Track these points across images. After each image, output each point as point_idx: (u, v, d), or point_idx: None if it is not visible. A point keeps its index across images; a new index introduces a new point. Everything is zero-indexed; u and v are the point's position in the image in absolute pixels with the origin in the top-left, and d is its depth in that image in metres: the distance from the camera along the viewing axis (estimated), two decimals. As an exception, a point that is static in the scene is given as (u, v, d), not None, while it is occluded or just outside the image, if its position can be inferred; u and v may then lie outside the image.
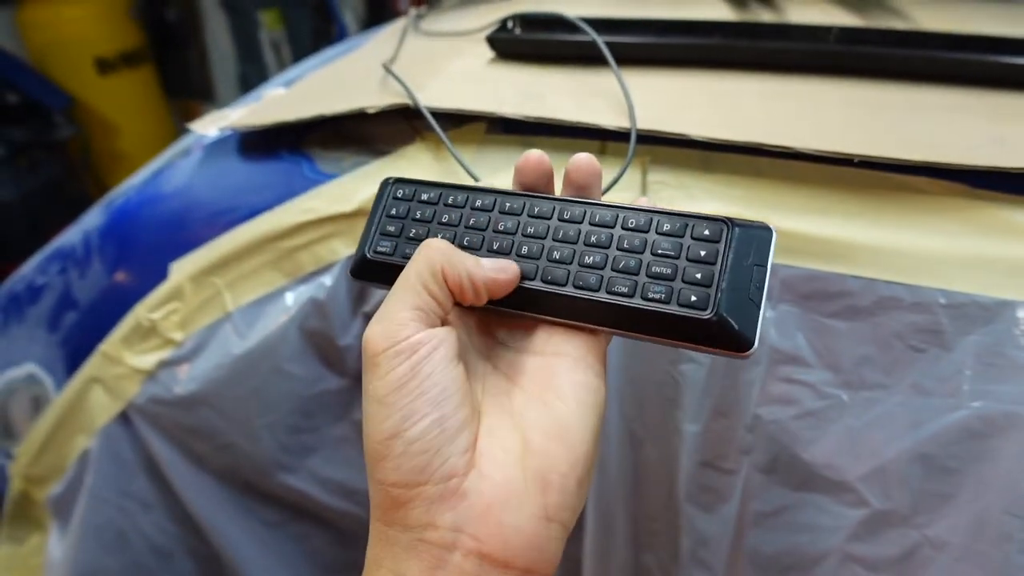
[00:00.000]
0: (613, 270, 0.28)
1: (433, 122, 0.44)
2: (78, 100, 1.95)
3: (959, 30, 0.48)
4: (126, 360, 0.54)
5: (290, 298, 0.49)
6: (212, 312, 0.51)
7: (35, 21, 1.95)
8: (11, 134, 1.83)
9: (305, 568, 0.61)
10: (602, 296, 0.28)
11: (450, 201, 0.32)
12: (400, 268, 0.28)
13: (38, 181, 1.85)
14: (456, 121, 0.47)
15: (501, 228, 0.30)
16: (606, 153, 0.44)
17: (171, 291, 0.52)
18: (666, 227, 0.28)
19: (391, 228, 0.32)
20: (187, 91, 2.26)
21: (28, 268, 0.65)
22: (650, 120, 0.41)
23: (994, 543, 0.36)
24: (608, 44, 0.46)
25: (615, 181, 0.39)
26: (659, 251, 0.28)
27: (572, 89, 0.46)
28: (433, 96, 0.47)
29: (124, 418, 0.56)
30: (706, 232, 0.28)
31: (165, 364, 0.53)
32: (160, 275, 0.53)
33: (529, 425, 0.26)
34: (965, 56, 0.45)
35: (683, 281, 0.27)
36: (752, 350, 0.26)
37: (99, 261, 0.59)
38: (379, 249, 0.32)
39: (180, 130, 2.16)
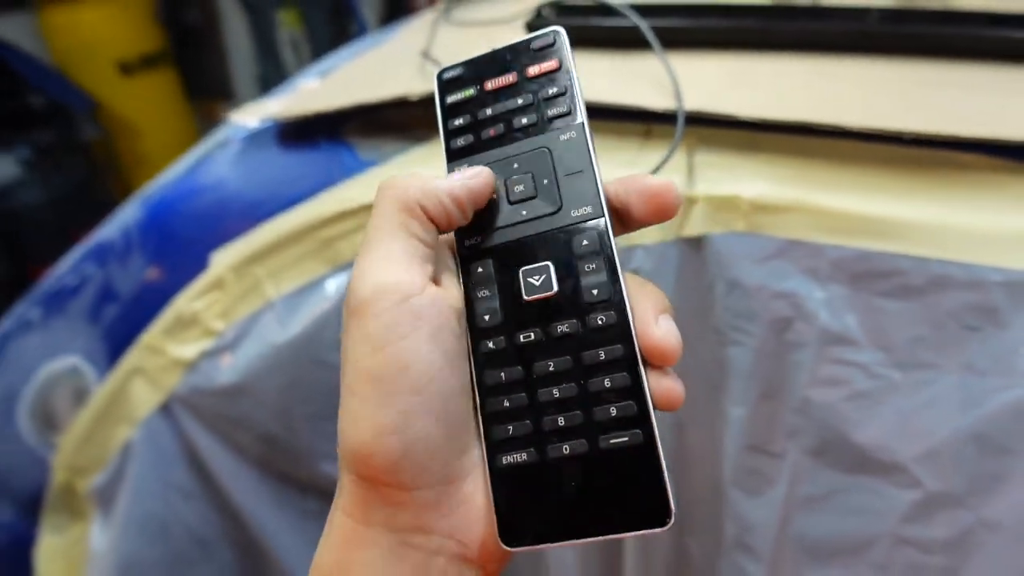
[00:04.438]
0: None
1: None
2: (101, 102, 1.98)
3: (1002, 8, 0.48)
4: (168, 351, 0.55)
5: (331, 286, 0.50)
6: (253, 302, 0.52)
7: (57, 25, 1.97)
8: (36, 137, 1.86)
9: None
10: None
11: None
12: None
13: (63, 183, 1.87)
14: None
15: None
16: (651, 136, 0.43)
17: (212, 281, 0.53)
18: None
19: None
20: (207, 91, 2.28)
21: (68, 262, 0.66)
22: (696, 101, 0.40)
23: (1053, 524, 0.36)
24: (649, 28, 0.46)
25: (663, 162, 0.39)
26: None
27: (614, 73, 0.46)
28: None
29: (166, 409, 0.57)
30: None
31: (207, 354, 0.53)
32: (200, 267, 0.54)
33: None
34: (1009, 33, 0.44)
35: None
36: None
37: (139, 254, 0.59)
38: None
39: (201, 130, 2.18)
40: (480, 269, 0.25)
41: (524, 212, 0.25)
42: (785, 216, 0.39)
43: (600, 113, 0.44)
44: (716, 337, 0.42)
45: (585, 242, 0.24)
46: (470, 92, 0.27)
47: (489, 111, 0.27)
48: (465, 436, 0.23)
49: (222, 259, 0.52)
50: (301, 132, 0.55)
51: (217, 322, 0.53)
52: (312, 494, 0.59)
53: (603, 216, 0.24)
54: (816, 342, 0.39)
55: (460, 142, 0.27)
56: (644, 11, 0.48)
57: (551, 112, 0.26)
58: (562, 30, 0.28)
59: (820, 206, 0.38)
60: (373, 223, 0.24)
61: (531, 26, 0.52)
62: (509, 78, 0.27)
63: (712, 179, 0.40)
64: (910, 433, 0.38)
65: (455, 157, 0.27)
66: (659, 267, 0.42)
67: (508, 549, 0.23)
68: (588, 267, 0.24)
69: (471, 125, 0.27)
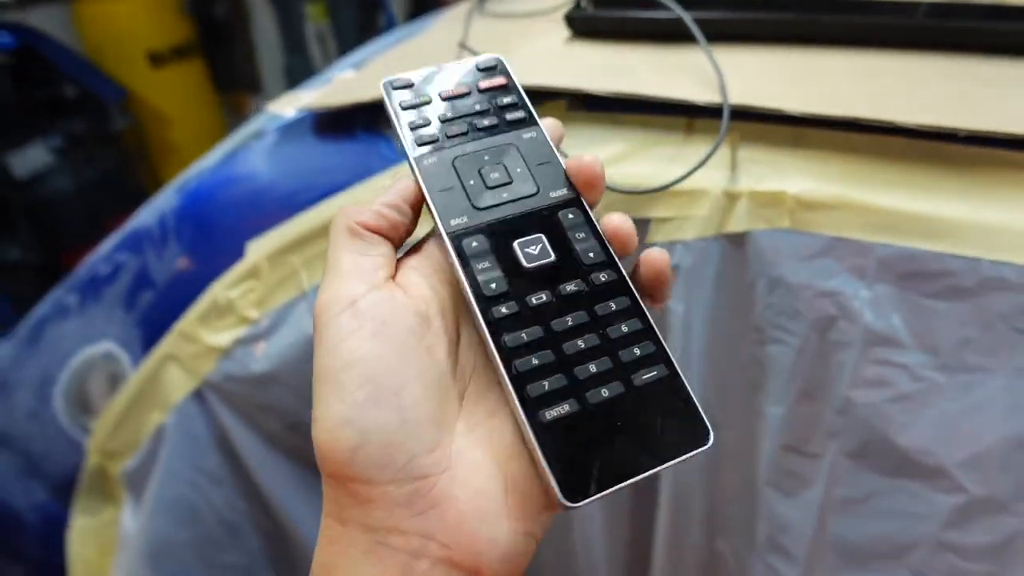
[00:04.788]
0: None
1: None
2: (132, 93, 2.00)
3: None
4: (202, 338, 0.56)
5: (366, 277, 0.50)
6: (288, 291, 0.52)
7: (90, 16, 2.01)
8: (68, 126, 1.89)
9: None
10: None
11: None
12: None
13: (95, 172, 1.90)
14: (535, 98, 0.47)
15: None
16: (694, 130, 0.43)
17: (248, 270, 0.53)
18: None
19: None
20: (235, 84, 2.31)
21: (105, 249, 0.67)
22: (741, 95, 0.40)
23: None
24: (693, 20, 0.45)
25: (708, 156, 0.38)
26: None
27: (656, 65, 0.45)
28: (512, 73, 0.47)
29: (199, 395, 0.57)
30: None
31: (241, 342, 0.54)
32: (236, 255, 0.54)
33: (514, 428, 0.24)
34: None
35: None
36: None
37: (175, 242, 0.60)
38: None
39: (229, 122, 2.21)
40: (475, 244, 0.26)
41: (505, 195, 0.27)
42: (831, 213, 0.38)
43: (641, 107, 0.44)
44: (756, 335, 0.42)
45: (571, 216, 0.27)
46: (426, 98, 0.29)
47: (449, 113, 0.29)
48: (431, 429, 0.23)
49: (258, 248, 0.53)
50: (337, 123, 0.55)
51: (252, 310, 0.53)
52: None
53: (579, 196, 0.28)
54: (860, 342, 0.38)
55: (424, 134, 0.28)
56: (686, 3, 0.48)
57: (509, 118, 0.29)
58: (503, 57, 0.31)
59: (868, 203, 0.38)
60: (328, 252, 0.26)
61: (570, 17, 0.51)
62: (463, 88, 0.30)
63: (756, 175, 0.40)
64: (955, 437, 0.37)
65: (420, 148, 0.28)
66: (700, 263, 0.41)
67: (572, 506, 0.23)
68: (579, 236, 0.27)
69: (431, 124, 0.29)
